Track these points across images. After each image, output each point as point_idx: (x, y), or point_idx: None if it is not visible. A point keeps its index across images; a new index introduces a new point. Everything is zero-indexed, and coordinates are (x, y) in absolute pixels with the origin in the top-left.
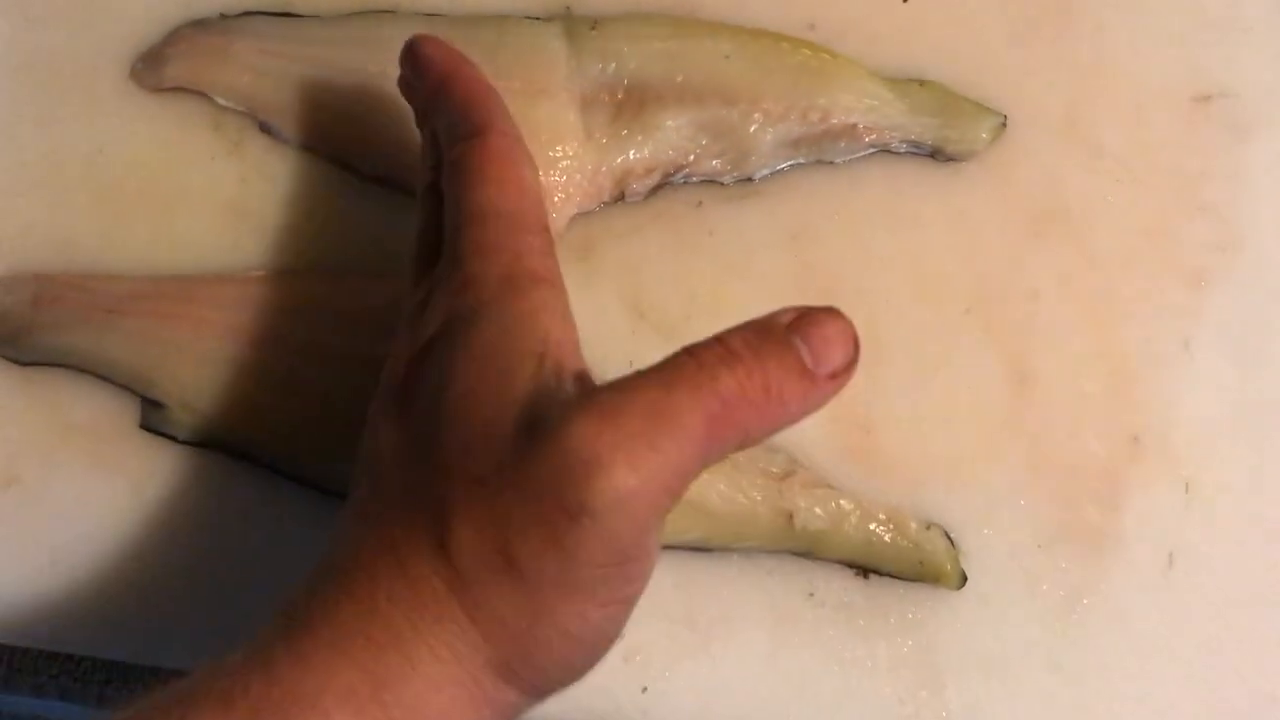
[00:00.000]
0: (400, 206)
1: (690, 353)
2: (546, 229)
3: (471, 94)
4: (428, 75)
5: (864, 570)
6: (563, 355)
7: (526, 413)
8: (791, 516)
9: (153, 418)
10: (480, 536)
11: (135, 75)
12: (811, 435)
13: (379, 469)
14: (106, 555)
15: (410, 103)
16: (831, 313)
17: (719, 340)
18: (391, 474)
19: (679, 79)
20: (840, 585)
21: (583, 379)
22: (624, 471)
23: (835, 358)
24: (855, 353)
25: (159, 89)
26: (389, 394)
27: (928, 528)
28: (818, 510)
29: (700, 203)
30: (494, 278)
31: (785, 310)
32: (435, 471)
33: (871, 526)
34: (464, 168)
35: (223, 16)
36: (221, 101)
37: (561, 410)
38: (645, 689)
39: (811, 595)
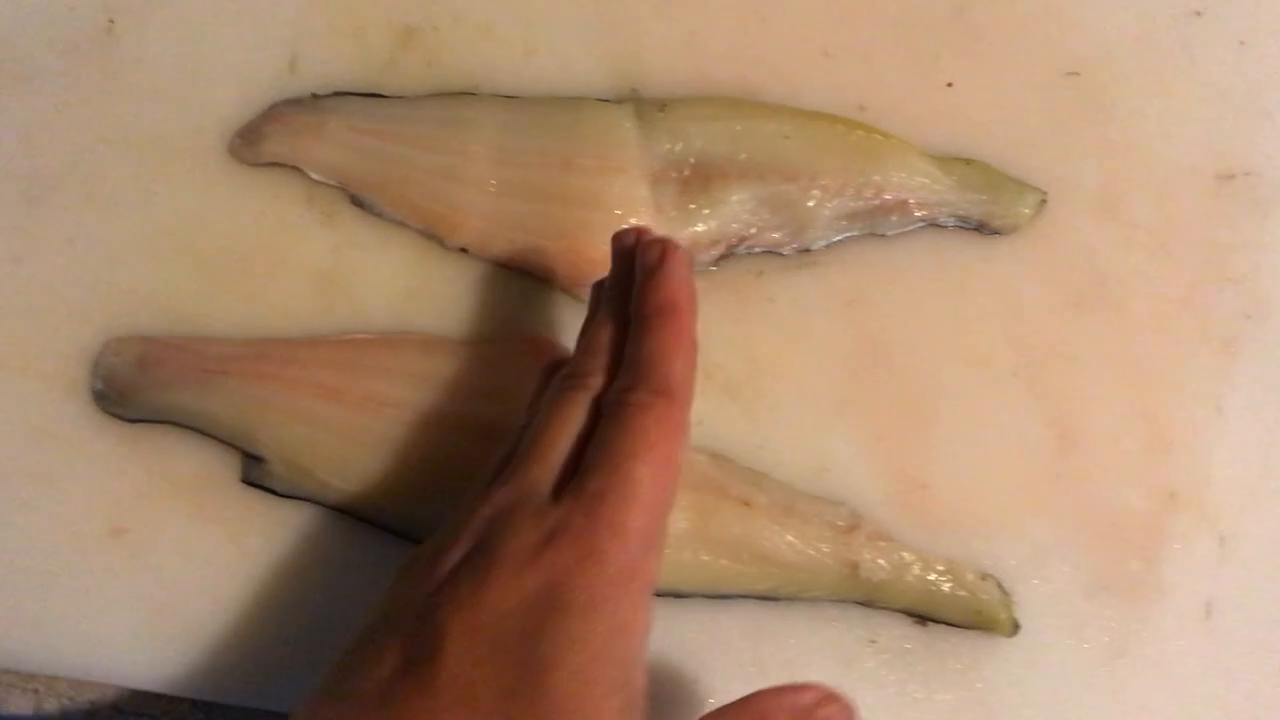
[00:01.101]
0: (482, 276)
1: None
2: (667, 520)
3: (682, 342)
4: (653, 293)
5: (923, 618)
6: (638, 683)
7: None
8: (857, 567)
9: (253, 472)
10: None
11: (233, 150)
12: (871, 490)
13: (438, 680)
14: (209, 604)
15: (609, 283)
16: (845, 707)
17: None
18: (457, 704)
19: (742, 157)
20: (900, 633)
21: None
22: None
23: None
24: None
25: (256, 163)
26: (482, 607)
27: (983, 578)
28: (881, 561)
29: (761, 272)
30: (616, 571)
31: (808, 690)
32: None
33: (931, 577)
34: (643, 423)
35: (314, 96)
36: (315, 176)
37: None
38: None
39: (873, 642)
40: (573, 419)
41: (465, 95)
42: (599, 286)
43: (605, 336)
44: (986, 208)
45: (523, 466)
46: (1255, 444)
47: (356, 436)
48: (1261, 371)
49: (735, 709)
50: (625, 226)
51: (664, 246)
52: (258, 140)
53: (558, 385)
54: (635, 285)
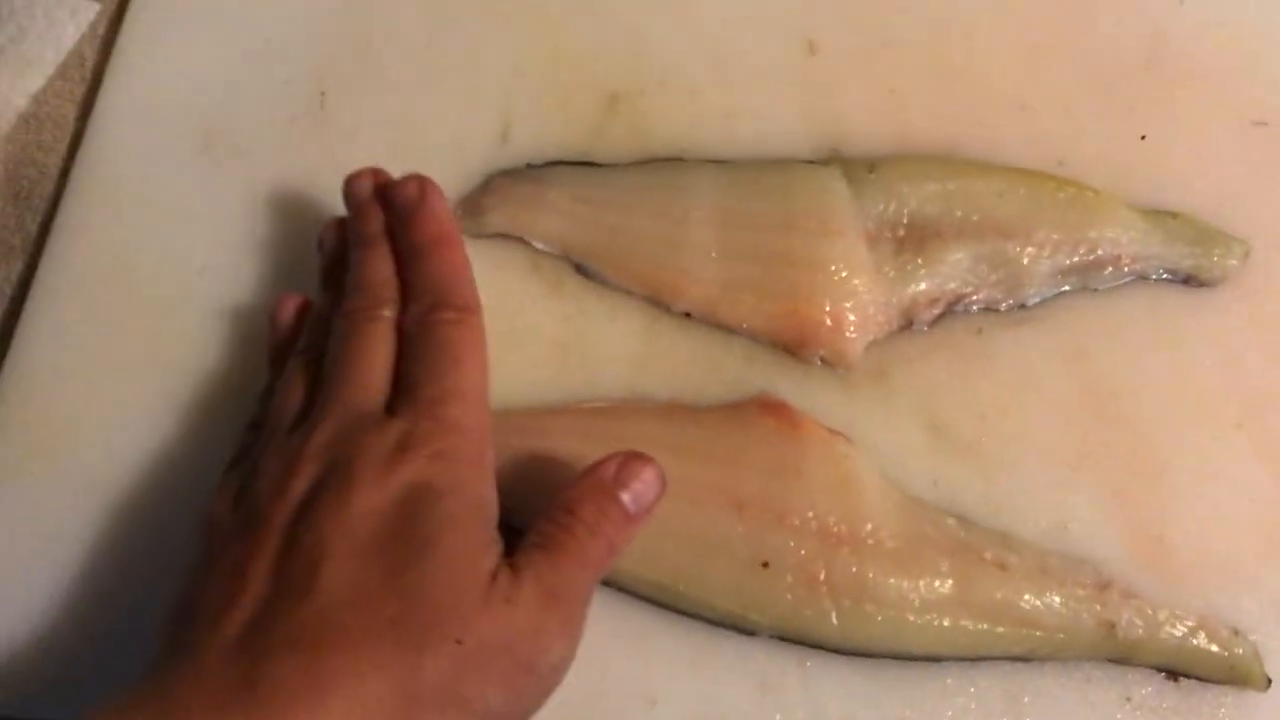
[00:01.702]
0: (707, 340)
1: (566, 530)
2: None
3: (467, 266)
4: (425, 226)
5: (1175, 674)
6: (499, 543)
7: (489, 585)
8: (1114, 626)
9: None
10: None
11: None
12: (1111, 547)
13: (331, 611)
14: None
15: (358, 223)
16: (644, 461)
17: (575, 515)
18: (357, 616)
19: (958, 215)
20: (1154, 688)
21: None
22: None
23: (649, 498)
24: (662, 489)
25: (479, 235)
26: (353, 534)
27: (1235, 633)
28: (1137, 620)
29: (980, 329)
30: (470, 456)
31: (609, 462)
32: (410, 633)
33: (1184, 634)
34: (462, 338)
35: (530, 166)
36: (539, 245)
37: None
38: None
39: (1129, 700)
40: (379, 344)
41: (676, 160)
42: (322, 247)
43: (381, 270)
44: (1196, 260)
45: (340, 396)
46: None
47: None
48: None
49: (550, 511)
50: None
51: (421, 183)
52: (480, 212)
53: (348, 317)
54: (399, 220)
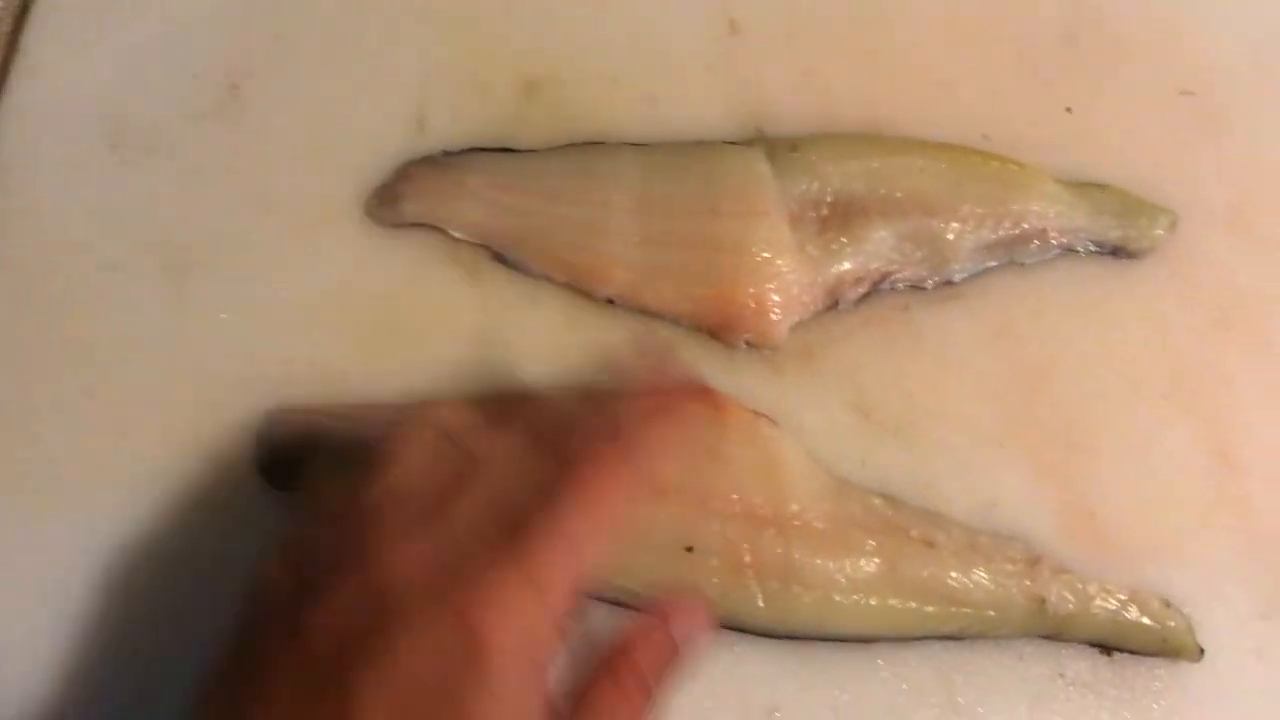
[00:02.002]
0: (631, 326)
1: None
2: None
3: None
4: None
5: (1108, 649)
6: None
7: None
8: (1044, 602)
9: None
10: None
11: (370, 213)
12: (1042, 522)
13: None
14: None
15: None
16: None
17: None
18: None
19: (881, 193)
20: (1088, 663)
21: None
22: None
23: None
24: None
25: (396, 225)
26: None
27: (1167, 604)
28: (1067, 595)
29: (907, 306)
30: (541, 624)
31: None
32: None
33: (1115, 607)
34: (592, 475)
35: (446, 154)
36: (456, 234)
37: None
38: None
39: (1062, 675)
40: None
41: (597, 145)
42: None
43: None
44: (1122, 231)
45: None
46: None
47: None
48: None
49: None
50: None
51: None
52: (396, 201)
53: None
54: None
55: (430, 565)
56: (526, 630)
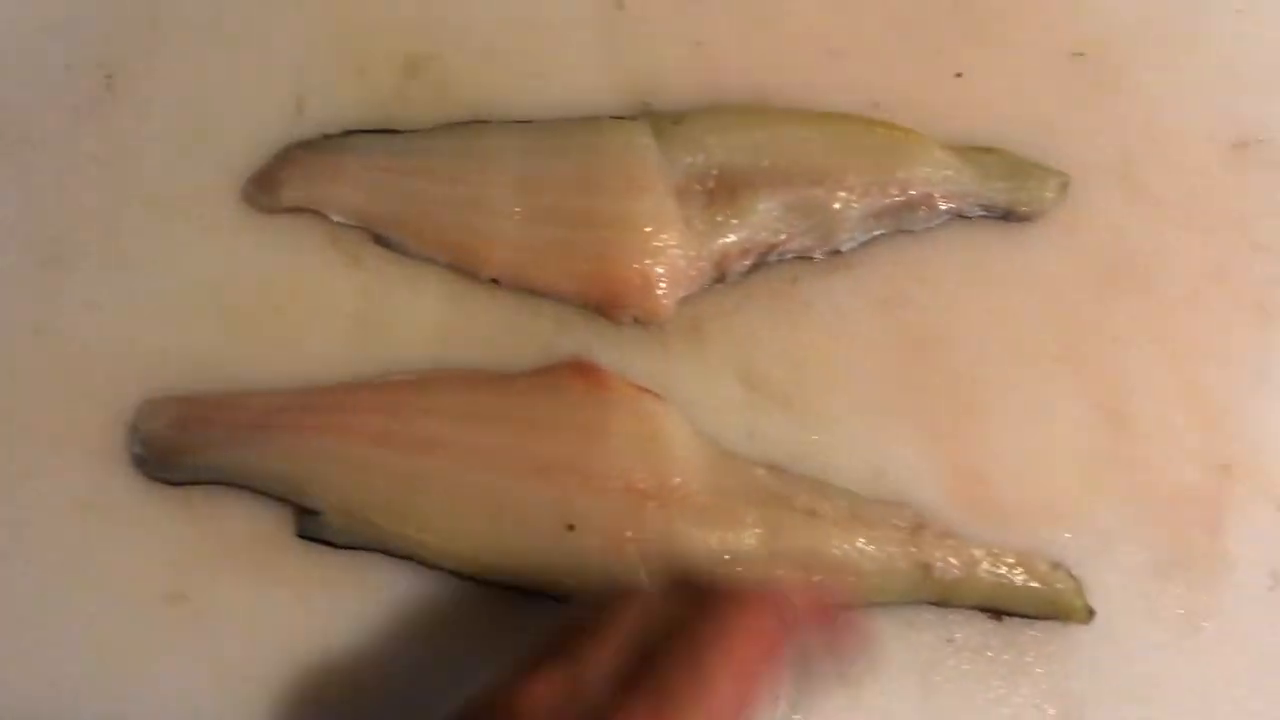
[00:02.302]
0: (516, 306)
1: None
2: None
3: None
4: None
5: (997, 613)
6: None
7: None
8: (929, 568)
9: (308, 526)
10: None
11: (248, 198)
12: (930, 489)
13: None
14: (277, 665)
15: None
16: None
17: None
18: None
19: (766, 164)
20: (977, 628)
21: None
22: None
23: None
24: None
25: (274, 210)
26: None
27: (1054, 567)
28: (953, 560)
29: (795, 278)
30: None
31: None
32: None
33: (1003, 571)
34: (736, 626)
35: (325, 137)
36: (336, 218)
37: None
38: None
39: (951, 641)
40: (641, 613)
41: (479, 124)
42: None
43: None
44: (1011, 195)
45: (579, 648)
46: None
47: (410, 479)
48: None
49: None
50: None
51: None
52: (274, 187)
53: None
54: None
55: None
56: None
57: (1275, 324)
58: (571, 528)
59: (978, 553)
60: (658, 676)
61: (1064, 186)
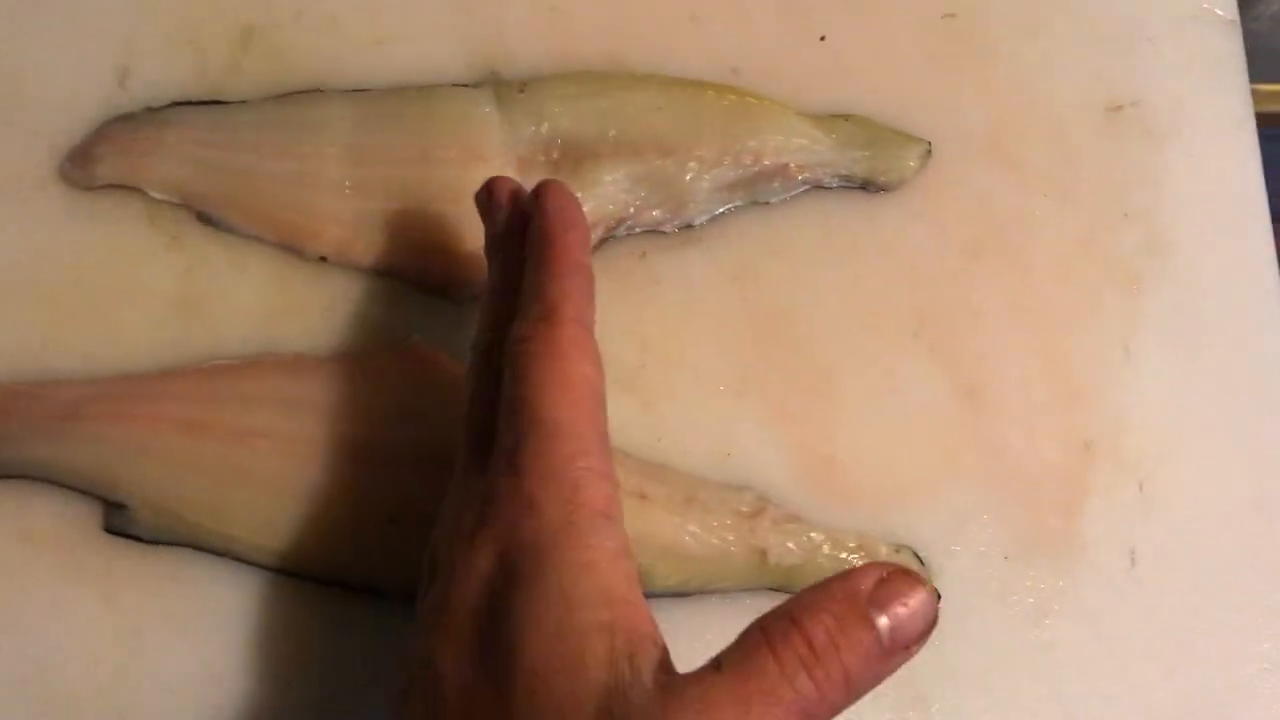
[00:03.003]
0: (348, 286)
1: (770, 645)
2: (605, 438)
3: (558, 264)
4: (511, 216)
5: None
6: (631, 620)
7: (604, 711)
8: (765, 553)
9: (116, 520)
10: None
11: (64, 175)
12: (778, 471)
13: (445, 701)
14: (84, 666)
15: (484, 225)
16: (914, 581)
17: (797, 626)
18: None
19: (612, 134)
20: None
21: (657, 661)
22: None
23: (913, 632)
24: (933, 624)
25: (90, 187)
26: (450, 611)
27: (898, 550)
28: (790, 545)
29: (644, 253)
30: (554, 515)
31: (868, 572)
32: None
33: (844, 555)
34: (529, 357)
35: (149, 110)
36: (156, 195)
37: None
38: None
39: None
40: (477, 390)
41: (311, 93)
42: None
43: (490, 295)
44: (870, 164)
45: (457, 466)
46: (1167, 384)
47: (226, 472)
48: (1168, 308)
49: (765, 618)
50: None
51: (541, 186)
52: (89, 162)
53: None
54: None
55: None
56: (548, 519)
57: (1145, 296)
58: (393, 520)
59: (817, 537)
60: (502, 442)
61: (926, 155)
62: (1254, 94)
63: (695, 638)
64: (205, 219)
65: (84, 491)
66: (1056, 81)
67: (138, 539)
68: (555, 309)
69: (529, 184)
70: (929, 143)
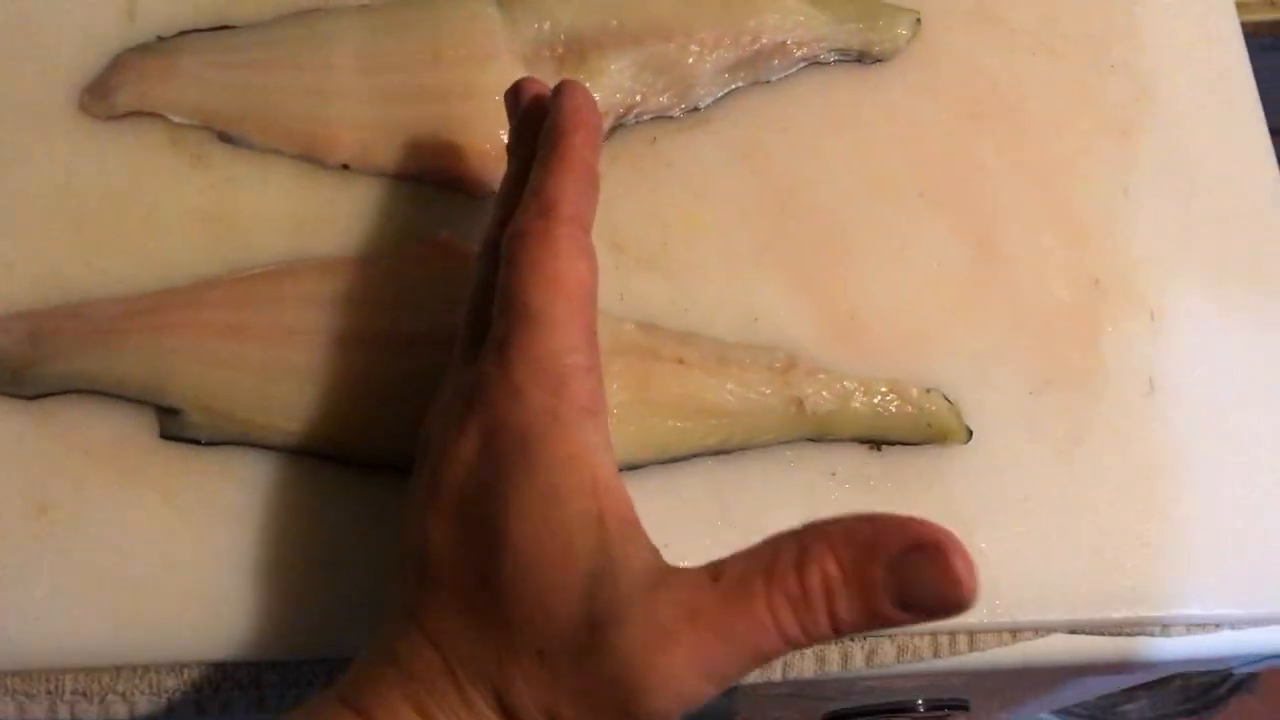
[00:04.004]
0: (371, 191)
1: (767, 574)
2: (593, 335)
3: (563, 162)
4: (529, 113)
5: (876, 443)
6: (617, 510)
7: (590, 597)
8: (801, 403)
9: (171, 425)
10: (538, 707)
11: (85, 106)
12: (803, 331)
13: (436, 576)
14: (151, 566)
15: (509, 123)
16: (946, 568)
17: (801, 565)
18: (452, 595)
19: (614, 24)
20: (858, 460)
21: (640, 550)
22: (677, 702)
23: (928, 608)
24: (960, 606)
25: (111, 117)
26: (440, 491)
27: (928, 392)
28: (824, 393)
29: (654, 138)
30: (539, 406)
31: (905, 530)
32: (497, 630)
33: (876, 400)
34: (523, 251)
35: (160, 39)
36: (176, 119)
37: (626, 610)
38: None
39: (834, 475)
40: (480, 280)
41: (317, 10)
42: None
43: (503, 190)
44: (864, 35)
45: (454, 351)
46: (1166, 218)
47: (271, 370)
48: (1159, 149)
49: (779, 539)
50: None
51: (559, 86)
52: (108, 93)
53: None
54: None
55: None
56: (532, 408)
57: (1136, 140)
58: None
59: (850, 384)
60: (493, 333)
61: (917, 23)
62: None
63: (741, 491)
64: (226, 138)
65: (137, 400)
66: None
67: (194, 441)
68: (553, 206)
69: (540, 79)
70: (918, 11)
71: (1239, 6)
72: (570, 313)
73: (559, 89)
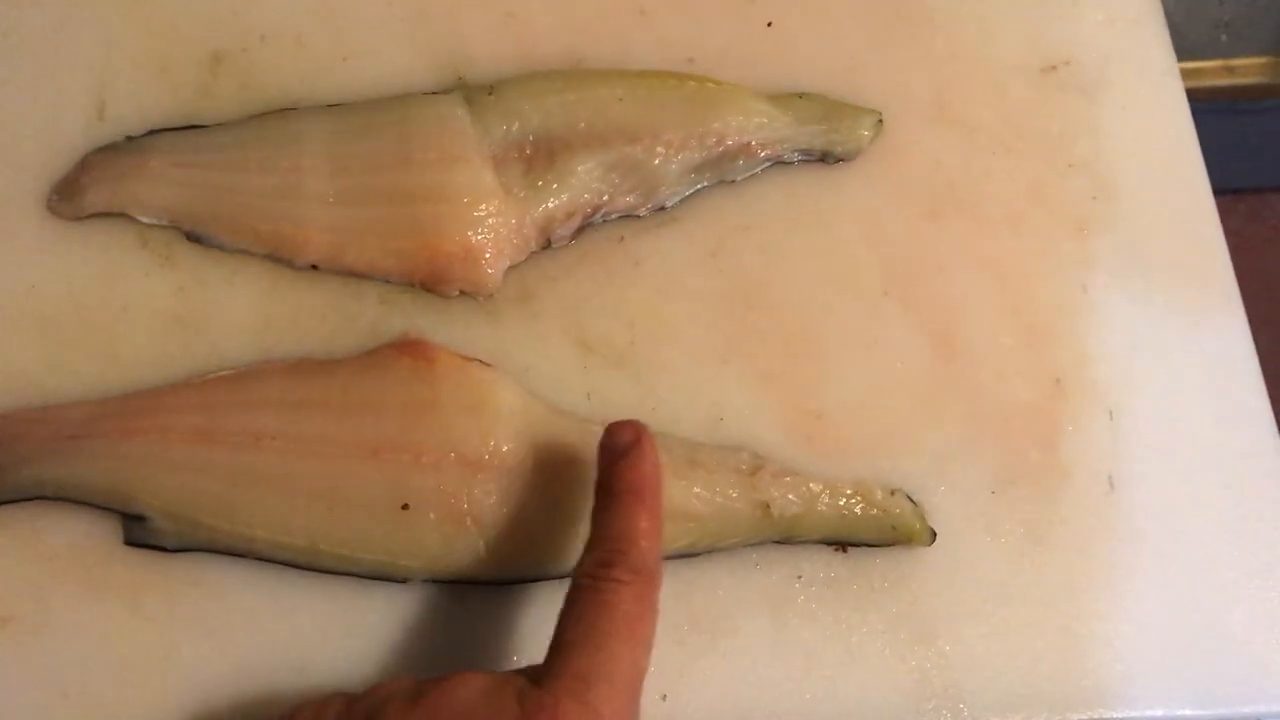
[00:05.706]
0: (338, 291)
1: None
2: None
3: (656, 523)
4: (625, 472)
5: (842, 545)
6: None
7: None
8: (768, 506)
9: (136, 532)
10: None
11: (52, 207)
12: (769, 431)
13: None
14: (116, 677)
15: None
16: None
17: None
18: None
19: (581, 126)
20: (824, 563)
21: None
22: None
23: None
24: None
25: (79, 217)
26: None
27: (892, 493)
28: (791, 496)
29: (622, 237)
30: None
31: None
32: None
33: (842, 503)
34: (625, 606)
35: (129, 139)
36: (145, 219)
37: None
38: (665, 696)
39: (800, 578)
40: None
41: (287, 111)
42: None
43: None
44: (827, 136)
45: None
46: (1124, 316)
47: (238, 475)
48: (1117, 247)
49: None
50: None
51: (637, 428)
52: (76, 193)
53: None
54: (604, 463)
55: None
56: None
57: (1093, 239)
58: (406, 507)
59: (816, 487)
60: (571, 664)
61: (879, 124)
62: None
63: (708, 595)
64: (194, 238)
65: (101, 507)
66: (993, 47)
67: (160, 548)
68: (655, 570)
69: (509, 181)
70: (880, 113)
71: (1197, 73)
72: (643, 674)
73: (641, 432)
